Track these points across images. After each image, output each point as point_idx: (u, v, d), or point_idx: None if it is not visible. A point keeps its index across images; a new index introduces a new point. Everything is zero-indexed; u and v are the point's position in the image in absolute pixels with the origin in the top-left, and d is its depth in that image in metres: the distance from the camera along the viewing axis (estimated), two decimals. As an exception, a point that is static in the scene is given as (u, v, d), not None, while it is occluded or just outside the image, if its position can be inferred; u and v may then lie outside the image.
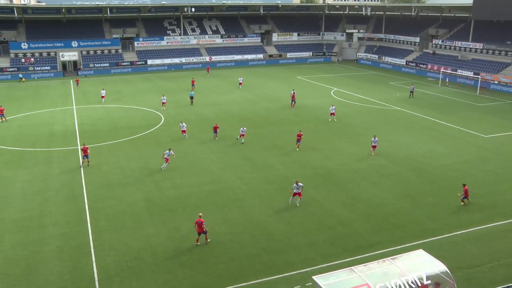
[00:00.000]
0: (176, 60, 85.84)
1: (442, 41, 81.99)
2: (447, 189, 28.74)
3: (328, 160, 35.01)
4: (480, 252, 22.16)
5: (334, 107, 46.78)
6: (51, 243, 23.02)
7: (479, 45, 74.56)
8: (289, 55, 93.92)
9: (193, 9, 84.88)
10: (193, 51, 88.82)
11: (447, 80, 69.86)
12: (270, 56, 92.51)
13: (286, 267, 20.95)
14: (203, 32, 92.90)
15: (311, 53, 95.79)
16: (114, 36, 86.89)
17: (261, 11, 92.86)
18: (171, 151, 33.00)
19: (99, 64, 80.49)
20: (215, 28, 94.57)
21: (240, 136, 39.00)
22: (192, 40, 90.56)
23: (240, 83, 64.79)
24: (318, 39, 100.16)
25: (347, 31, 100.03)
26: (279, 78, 74.54)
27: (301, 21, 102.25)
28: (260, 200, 28.11)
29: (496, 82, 65.65)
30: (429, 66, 77.60)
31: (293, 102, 52.54)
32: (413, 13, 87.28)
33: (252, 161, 34.93)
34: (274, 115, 49.08)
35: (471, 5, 68.31)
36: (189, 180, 31.22)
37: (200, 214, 23.32)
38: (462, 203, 27.19)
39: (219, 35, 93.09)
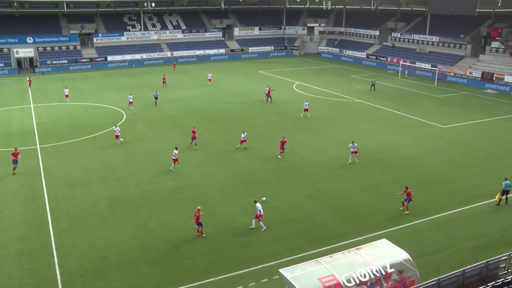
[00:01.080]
0: (137, 56, 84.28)
1: (401, 34, 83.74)
2: (408, 179, 29.48)
3: (292, 153, 35.22)
4: (439, 239, 22.88)
5: (307, 103, 46.52)
6: (10, 247, 22.27)
7: (435, 38, 76.61)
8: (251, 49, 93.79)
9: (153, 4, 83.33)
10: (154, 47, 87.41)
11: (406, 73, 71.52)
12: (232, 50, 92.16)
13: (252, 261, 21.03)
14: (164, 27, 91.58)
15: (272, 47, 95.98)
16: (72, 32, 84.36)
17: (222, 6, 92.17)
18: (177, 151, 31.63)
19: (57, 61, 77.97)
20: (176, 23, 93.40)
21: (240, 143, 36.06)
22: (153, 36, 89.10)
23: (209, 79, 63.96)
24: (280, 33, 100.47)
25: (308, 25, 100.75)
26: (241, 72, 74.41)
27: (263, 15, 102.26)
28: (225, 195, 28.11)
29: (452, 74, 67.64)
30: (388, 59, 79.17)
31: (269, 98, 51.87)
32: (372, 7, 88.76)
33: (216, 156, 34.81)
34: (237, 110, 49.01)
35: (427, -1, 70.22)
36: (153, 177, 30.84)
37: (198, 207, 23.10)
38: (402, 208, 25.81)
39: (180, 30, 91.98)
